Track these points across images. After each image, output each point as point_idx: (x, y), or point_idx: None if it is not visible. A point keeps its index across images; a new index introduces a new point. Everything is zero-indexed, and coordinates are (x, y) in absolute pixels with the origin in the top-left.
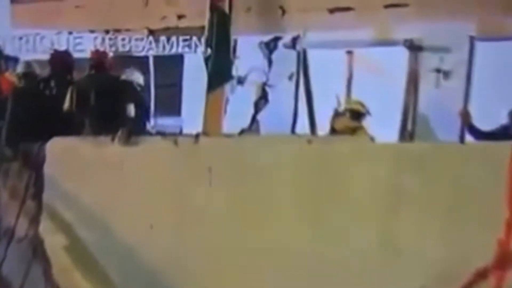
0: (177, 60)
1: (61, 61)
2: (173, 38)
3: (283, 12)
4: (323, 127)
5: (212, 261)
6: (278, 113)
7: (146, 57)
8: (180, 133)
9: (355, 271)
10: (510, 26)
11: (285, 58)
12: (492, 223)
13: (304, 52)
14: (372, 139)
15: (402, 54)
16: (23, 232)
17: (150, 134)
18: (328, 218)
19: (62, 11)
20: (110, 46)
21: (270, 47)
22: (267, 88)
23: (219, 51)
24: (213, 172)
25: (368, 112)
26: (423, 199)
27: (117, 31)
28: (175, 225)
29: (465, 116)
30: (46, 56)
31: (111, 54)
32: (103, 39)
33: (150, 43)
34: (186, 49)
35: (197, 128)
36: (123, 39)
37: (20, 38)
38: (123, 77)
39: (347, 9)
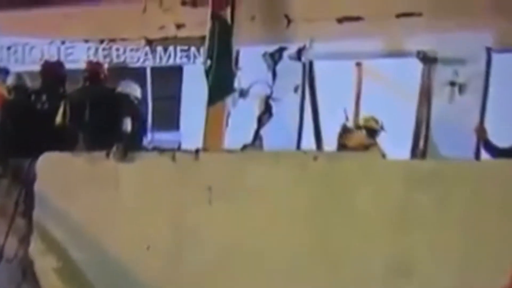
0: (176, 71)
1: (53, 72)
2: (171, 48)
3: (289, 21)
4: (330, 143)
5: (212, 285)
6: (283, 128)
7: (143, 68)
8: (179, 148)
9: None
10: None
11: (290, 70)
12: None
13: (311, 63)
14: (383, 155)
15: (414, 66)
16: (12, 252)
17: (147, 149)
18: (334, 239)
19: (52, 18)
20: (104, 56)
21: (274, 58)
22: (271, 102)
23: (220, 62)
24: (213, 190)
25: (382, 128)
26: (436, 219)
27: (112, 40)
28: (172, 246)
29: (481, 131)
30: (36, 67)
31: (106, 65)
32: (97, 49)
33: (146, 53)
34: (185, 60)
35: (197, 143)
36: (117, 49)
37: (8, 48)
38: (119, 89)
39: (357, 18)
